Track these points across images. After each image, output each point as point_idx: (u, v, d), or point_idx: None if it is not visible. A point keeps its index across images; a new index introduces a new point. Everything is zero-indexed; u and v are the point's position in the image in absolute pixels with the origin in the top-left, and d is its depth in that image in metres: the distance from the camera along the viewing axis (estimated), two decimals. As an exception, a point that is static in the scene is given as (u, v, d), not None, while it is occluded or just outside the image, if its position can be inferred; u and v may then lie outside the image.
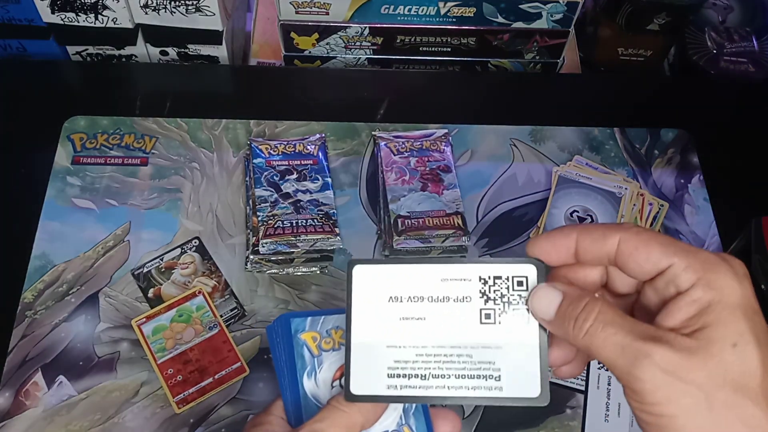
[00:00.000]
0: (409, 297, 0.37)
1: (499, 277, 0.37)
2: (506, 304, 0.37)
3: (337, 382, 0.40)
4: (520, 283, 0.37)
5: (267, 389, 0.60)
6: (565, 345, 0.37)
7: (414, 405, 0.39)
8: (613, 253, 0.35)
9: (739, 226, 0.65)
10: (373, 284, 0.38)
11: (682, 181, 0.73)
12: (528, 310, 0.36)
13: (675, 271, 0.33)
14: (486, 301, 0.37)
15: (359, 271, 0.38)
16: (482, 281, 0.37)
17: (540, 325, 0.36)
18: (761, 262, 0.62)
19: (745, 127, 0.78)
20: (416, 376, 0.36)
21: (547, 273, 0.37)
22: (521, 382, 0.36)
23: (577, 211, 0.69)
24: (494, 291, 0.37)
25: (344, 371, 0.37)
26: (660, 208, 0.70)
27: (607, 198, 0.69)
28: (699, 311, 0.32)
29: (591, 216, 0.68)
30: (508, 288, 0.37)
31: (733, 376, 0.31)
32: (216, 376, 0.60)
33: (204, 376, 0.60)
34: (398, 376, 0.36)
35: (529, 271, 0.37)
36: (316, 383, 0.39)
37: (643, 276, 0.34)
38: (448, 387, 0.36)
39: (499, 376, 0.36)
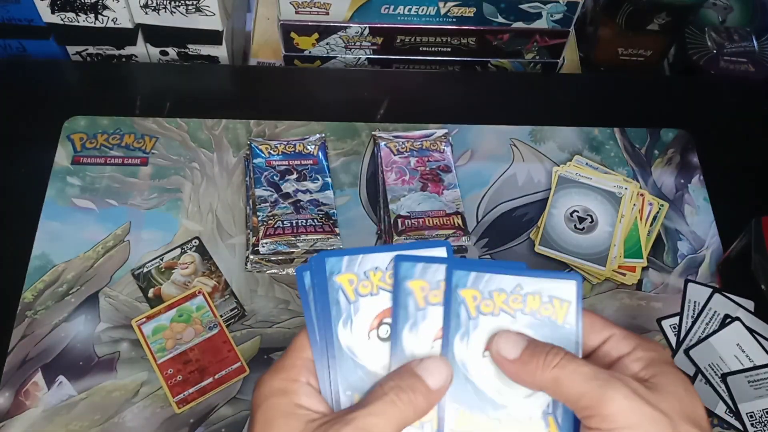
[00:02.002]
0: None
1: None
2: None
3: (374, 332, 0.36)
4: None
5: (267, 389, 0.60)
6: None
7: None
8: None
9: (739, 226, 0.65)
10: None
11: (682, 181, 0.73)
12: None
13: (615, 340, 0.37)
14: None
15: None
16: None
17: None
18: (761, 262, 0.62)
19: (745, 127, 0.78)
20: None
21: None
22: None
23: (577, 211, 0.69)
24: None
25: None
26: (660, 208, 0.70)
27: (607, 198, 0.69)
28: (646, 365, 0.36)
29: (591, 216, 0.68)
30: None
31: (689, 413, 0.34)
32: (216, 376, 0.60)
33: (204, 376, 0.60)
34: None
35: None
36: (351, 332, 0.36)
37: (587, 347, 0.38)
38: None
39: None
